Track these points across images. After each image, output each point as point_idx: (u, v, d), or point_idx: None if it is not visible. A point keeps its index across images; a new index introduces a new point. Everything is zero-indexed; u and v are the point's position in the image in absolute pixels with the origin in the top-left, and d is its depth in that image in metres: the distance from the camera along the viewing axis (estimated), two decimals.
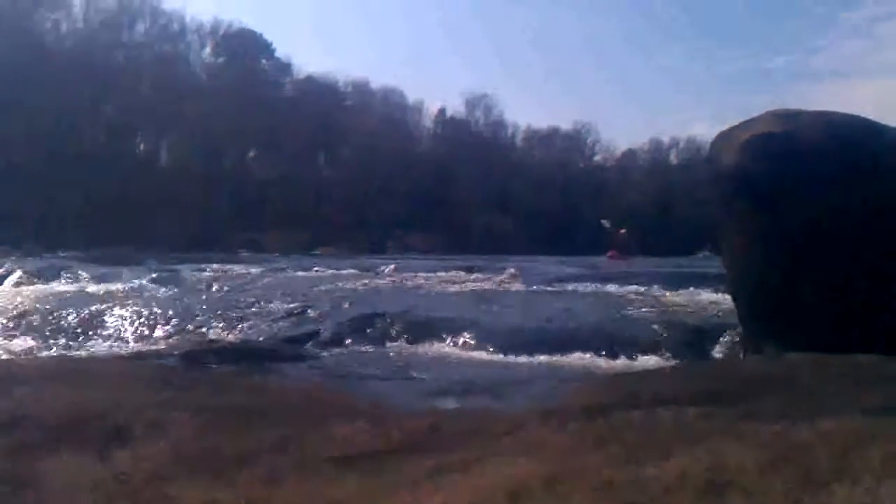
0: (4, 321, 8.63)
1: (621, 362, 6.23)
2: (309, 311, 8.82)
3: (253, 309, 9.04)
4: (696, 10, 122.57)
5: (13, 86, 44.27)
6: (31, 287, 12.19)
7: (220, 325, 8.37)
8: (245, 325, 8.36)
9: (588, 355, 6.45)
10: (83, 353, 7.11)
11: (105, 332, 8.27)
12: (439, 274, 16.20)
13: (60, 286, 12.31)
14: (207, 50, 66.95)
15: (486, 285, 13.77)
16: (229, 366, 5.84)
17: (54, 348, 7.39)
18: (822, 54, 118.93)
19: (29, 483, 2.68)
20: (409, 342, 7.34)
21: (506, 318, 8.41)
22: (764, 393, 3.53)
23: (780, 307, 5.75)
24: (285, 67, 73.07)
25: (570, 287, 12.91)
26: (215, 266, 18.19)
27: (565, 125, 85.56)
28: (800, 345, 4.96)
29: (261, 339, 7.77)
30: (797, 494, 2.17)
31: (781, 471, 2.32)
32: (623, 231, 33.17)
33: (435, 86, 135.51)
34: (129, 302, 9.62)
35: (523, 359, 6.45)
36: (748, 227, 5.97)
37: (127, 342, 7.85)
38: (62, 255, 20.99)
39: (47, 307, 9.32)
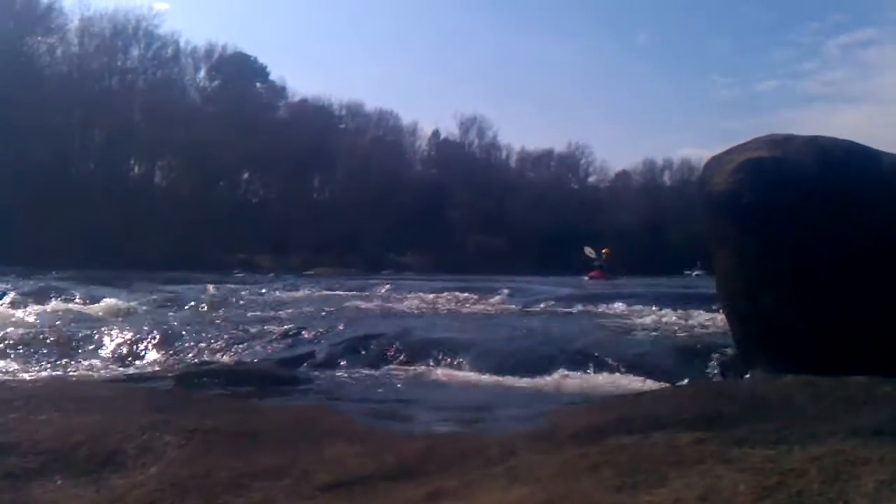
0: None
1: (615, 383, 6.22)
2: (303, 332, 8.80)
3: (247, 330, 9.01)
4: (687, 36, 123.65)
5: (6, 109, 44.29)
6: (25, 308, 12.15)
7: (214, 346, 8.33)
8: (239, 346, 8.33)
9: (582, 377, 6.44)
10: (75, 375, 7.08)
11: (98, 355, 8.23)
12: (433, 295, 16.21)
13: (54, 307, 12.27)
14: (202, 74, 67.21)
15: (480, 306, 13.78)
16: (223, 388, 5.82)
17: (46, 370, 7.36)
18: (810, 80, 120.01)
19: None
20: (404, 364, 7.32)
21: (500, 339, 8.39)
22: (757, 416, 3.53)
23: (772, 329, 5.77)
24: (280, 90, 73.44)
25: (563, 308, 12.93)
26: (209, 287, 18.15)
27: (559, 147, 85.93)
28: (793, 367, 4.97)
29: (255, 360, 7.73)
30: None
31: (775, 496, 2.32)
32: (606, 251, 33.41)
33: (429, 108, 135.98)
34: (123, 323, 9.59)
35: (517, 380, 6.44)
36: (739, 251, 5.99)
37: (120, 364, 7.81)
38: (55, 276, 20.93)
39: (40, 329, 9.28)
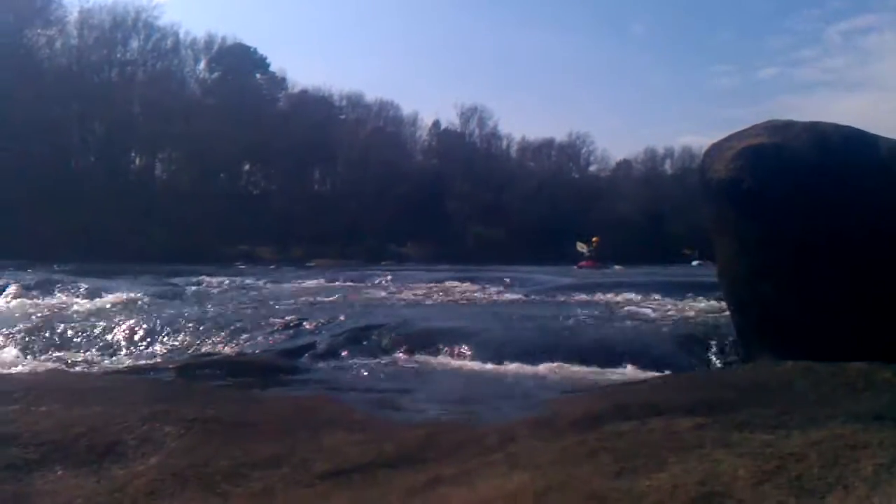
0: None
1: (614, 372, 6.22)
2: (304, 323, 8.81)
3: (248, 321, 9.02)
4: (686, 25, 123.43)
5: (6, 102, 44.25)
6: (27, 301, 12.16)
7: (216, 337, 8.35)
8: (241, 337, 8.34)
9: (581, 365, 6.44)
10: (76, 367, 7.09)
11: (99, 347, 8.24)
12: (433, 285, 16.21)
13: (55, 300, 12.28)
14: (202, 65, 66.98)
15: (481, 295, 13.78)
16: (223, 379, 5.82)
17: (47, 362, 7.37)
18: (810, 67, 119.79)
19: (23, 500, 2.68)
20: (405, 354, 7.32)
21: (500, 328, 8.40)
22: (756, 402, 3.53)
23: (772, 316, 5.76)
24: (280, 82, 73.22)
25: (563, 297, 12.93)
26: (211, 279, 18.17)
27: (560, 136, 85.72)
28: (793, 353, 4.97)
29: (256, 351, 7.74)
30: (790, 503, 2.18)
31: (774, 480, 2.32)
32: (595, 239, 33.15)
33: (430, 99, 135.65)
34: (124, 315, 9.60)
35: (517, 369, 6.44)
36: (739, 238, 5.99)
37: (121, 356, 7.82)
38: (56, 269, 20.93)
39: (42, 321, 9.29)
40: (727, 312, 6.65)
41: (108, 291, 13.36)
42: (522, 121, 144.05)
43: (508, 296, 13.60)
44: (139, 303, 12.00)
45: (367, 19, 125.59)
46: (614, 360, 6.56)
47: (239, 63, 68.05)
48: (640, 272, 24.23)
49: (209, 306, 11.57)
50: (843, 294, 5.44)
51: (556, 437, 3.13)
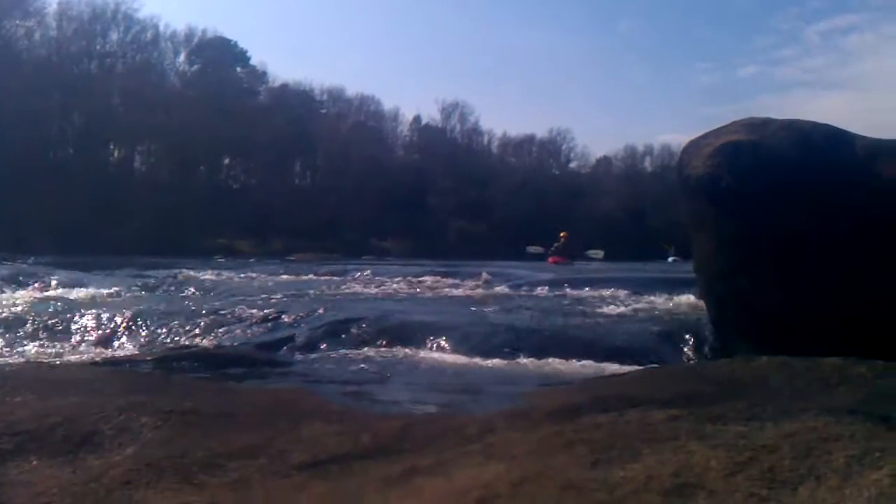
0: None
1: (593, 366, 6.25)
2: (283, 316, 8.79)
3: (227, 314, 8.99)
4: (668, 23, 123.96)
5: None
6: (2, 294, 12.07)
7: (194, 330, 8.32)
8: (219, 330, 8.32)
9: (560, 359, 6.46)
10: (53, 359, 7.05)
11: (76, 339, 8.21)
12: (414, 279, 16.23)
13: (31, 293, 12.19)
14: (182, 58, 66.82)
15: (461, 290, 13.80)
16: (201, 371, 5.80)
17: (24, 355, 7.32)
18: (790, 66, 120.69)
19: None
20: (384, 347, 7.33)
21: (479, 322, 8.42)
22: (731, 395, 3.56)
23: (748, 312, 5.82)
24: (260, 75, 73.08)
25: (542, 291, 12.97)
26: (189, 272, 18.09)
27: (541, 132, 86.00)
28: (769, 348, 5.01)
29: (234, 344, 7.73)
30: (762, 495, 2.20)
31: (747, 471, 2.35)
32: (564, 235, 32.94)
33: (411, 94, 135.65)
34: (101, 308, 9.55)
35: (496, 363, 6.46)
36: (717, 234, 6.04)
37: (98, 348, 7.79)
38: (33, 261, 20.79)
39: (18, 314, 9.23)
40: (703, 308, 6.70)
41: (85, 284, 13.28)
42: (503, 116, 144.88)
43: (489, 290, 13.62)
44: (116, 295, 11.94)
45: (349, 14, 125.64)
46: (593, 353, 6.59)
47: (219, 56, 67.83)
48: (616, 268, 24.28)
49: (187, 299, 11.53)
50: (819, 290, 5.49)
51: (533, 428, 3.14)
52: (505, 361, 6.51)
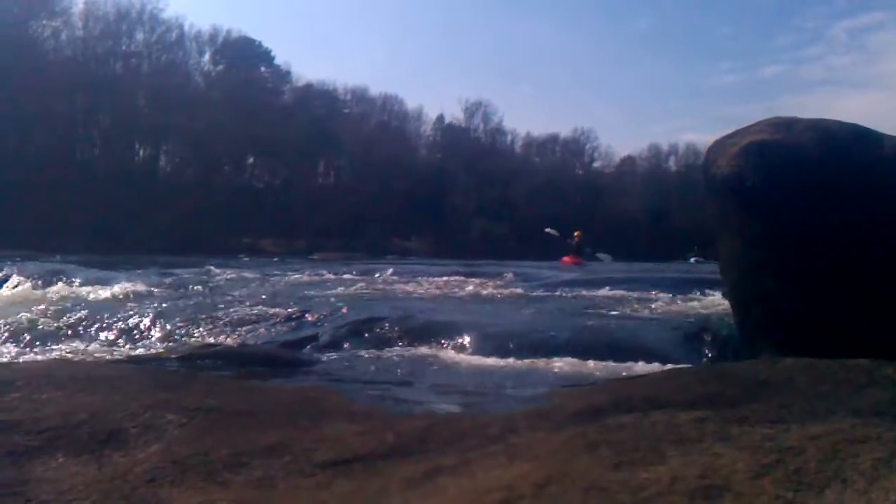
0: (1, 325, 8.62)
1: (615, 366, 6.22)
2: (307, 315, 8.82)
3: (251, 313, 9.03)
4: (691, 22, 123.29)
5: (11, 93, 44.36)
6: (29, 291, 12.18)
7: (218, 329, 8.36)
8: (242, 329, 8.35)
9: (583, 360, 6.44)
10: (79, 357, 7.10)
11: (101, 337, 8.27)
12: (437, 278, 16.22)
13: (58, 290, 12.30)
14: (206, 58, 67.23)
15: (484, 290, 13.78)
16: (226, 369, 5.83)
17: (50, 352, 7.39)
18: (815, 65, 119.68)
19: (23, 487, 2.69)
20: (408, 346, 7.33)
21: (502, 323, 8.40)
22: (757, 397, 3.53)
23: (775, 312, 5.77)
24: (284, 75, 73.37)
25: (566, 292, 12.93)
26: (214, 270, 18.18)
27: (565, 132, 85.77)
28: (795, 350, 4.97)
29: (258, 343, 7.76)
30: (788, 497, 2.18)
31: (773, 474, 2.33)
32: (578, 234, 31.85)
33: (434, 93, 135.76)
34: (127, 306, 9.61)
35: (519, 363, 6.44)
36: (742, 234, 5.99)
37: (123, 346, 7.84)
38: (60, 259, 20.97)
39: (44, 311, 9.31)
40: (729, 308, 6.65)
41: (111, 282, 13.38)
42: (527, 116, 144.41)
43: (511, 290, 13.59)
44: (142, 293, 12.02)
45: (372, 13, 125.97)
46: (617, 354, 6.55)
47: (243, 56, 68.19)
48: (637, 268, 24.16)
49: (212, 297, 11.59)
50: (847, 291, 5.44)
51: (556, 428, 3.13)
52: (527, 362, 6.49)
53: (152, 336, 8.28)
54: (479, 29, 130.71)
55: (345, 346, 7.50)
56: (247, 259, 33.09)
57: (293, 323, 8.58)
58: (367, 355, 7.00)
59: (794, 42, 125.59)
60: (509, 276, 15.64)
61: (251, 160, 68.28)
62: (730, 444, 2.63)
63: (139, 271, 17.62)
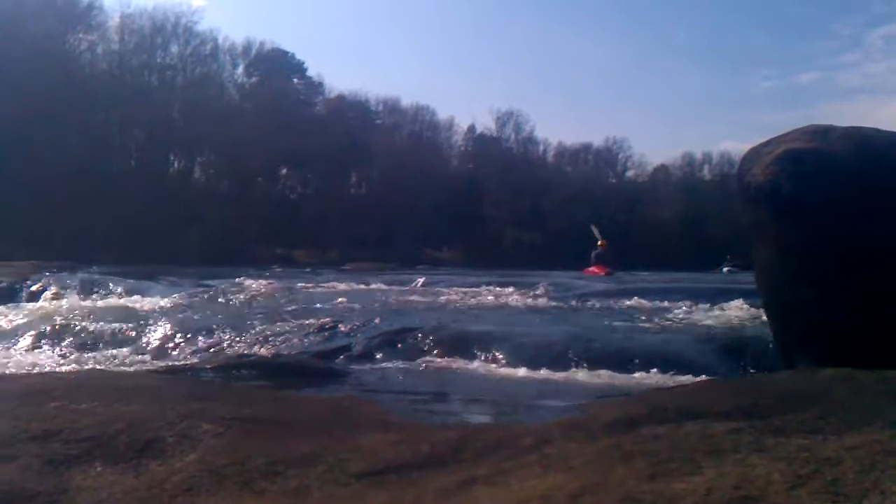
0: (39, 335, 8.74)
1: (649, 377, 6.19)
2: (340, 325, 8.86)
3: (285, 324, 9.09)
4: (728, 28, 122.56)
5: (48, 106, 44.95)
6: (66, 302, 12.35)
7: (252, 339, 8.42)
8: (277, 339, 8.41)
9: (617, 371, 6.41)
10: (115, 367, 7.18)
11: (138, 347, 8.36)
12: (469, 289, 16.22)
13: (94, 301, 12.45)
14: (240, 70, 67.67)
15: (517, 300, 13.75)
16: (260, 379, 5.88)
17: (87, 362, 7.48)
18: (852, 72, 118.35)
19: (62, 495, 2.72)
20: (440, 357, 7.34)
21: (535, 333, 8.39)
22: (794, 408, 3.50)
23: (812, 323, 5.71)
24: (317, 86, 73.75)
25: (600, 303, 12.88)
26: (247, 281, 18.30)
27: (597, 141, 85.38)
28: (834, 360, 4.91)
29: (292, 353, 7.80)
30: None
31: (809, 485, 2.31)
32: (602, 243, 30.56)
33: (466, 103, 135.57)
34: (162, 316, 9.71)
35: (552, 374, 6.43)
36: (778, 243, 5.94)
37: (159, 356, 7.92)
38: (96, 270, 21.21)
39: (81, 322, 9.42)
40: (765, 318, 6.59)
41: (147, 293, 13.53)
42: (559, 125, 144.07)
43: (544, 301, 13.56)
44: (177, 304, 12.13)
45: (404, 24, 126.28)
46: (649, 365, 6.52)
47: (277, 68, 68.65)
48: (671, 277, 23.97)
49: (246, 308, 11.67)
50: (885, 300, 5.37)
51: (590, 439, 3.12)
52: (560, 373, 6.48)
53: (187, 346, 8.35)
54: (512, 39, 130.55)
55: (377, 356, 7.53)
56: (280, 270, 33.25)
57: (326, 333, 8.62)
58: (399, 366, 7.02)
59: (831, 49, 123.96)
60: (542, 286, 15.59)
61: (284, 171, 68.68)
62: (765, 455, 2.61)
63: (174, 282, 17.79)
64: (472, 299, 14.07)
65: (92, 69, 55.30)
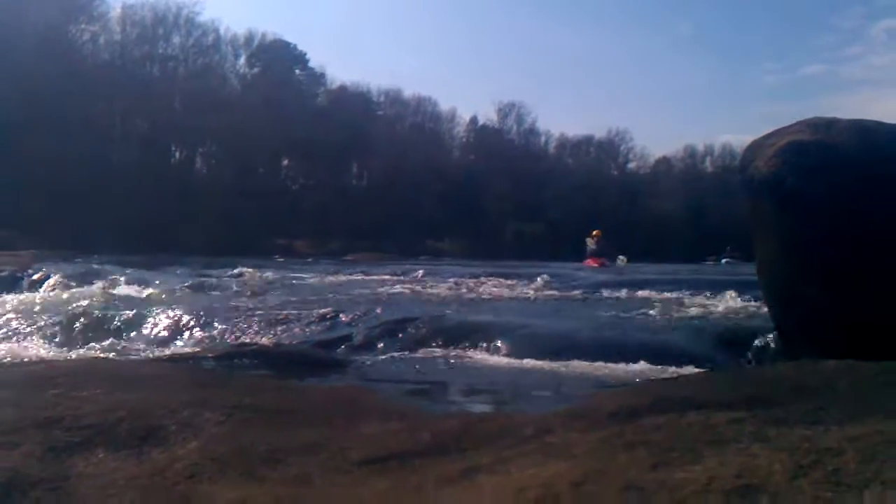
0: (42, 324, 8.75)
1: (651, 368, 6.18)
2: (341, 315, 8.86)
3: (286, 313, 9.09)
4: (730, 20, 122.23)
5: (49, 96, 44.96)
6: (68, 291, 12.36)
7: (254, 328, 8.43)
8: (278, 328, 8.41)
9: (618, 362, 6.40)
10: (118, 355, 7.19)
11: (140, 336, 8.37)
12: (470, 280, 16.22)
13: (96, 291, 12.45)
14: (242, 61, 67.68)
15: (518, 291, 13.76)
16: (262, 368, 5.88)
17: (89, 351, 7.49)
18: (855, 64, 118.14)
19: (65, 482, 2.73)
20: (441, 347, 7.34)
21: (536, 324, 8.39)
22: (795, 399, 3.50)
23: (813, 314, 5.71)
24: (319, 77, 73.72)
25: (600, 294, 12.88)
26: (249, 271, 18.31)
27: (599, 133, 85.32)
28: (835, 352, 4.91)
29: (293, 342, 7.81)
30: (827, 497, 2.16)
31: (811, 475, 2.31)
32: (597, 233, 29.75)
33: (467, 95, 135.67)
34: (164, 305, 9.72)
35: (552, 364, 6.42)
36: (780, 235, 5.94)
37: (161, 345, 7.93)
38: (98, 260, 21.23)
39: (83, 311, 9.43)
40: (765, 310, 6.60)
41: (148, 282, 13.54)
42: (561, 117, 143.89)
43: (545, 292, 13.56)
44: (178, 293, 12.15)
45: (405, 15, 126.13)
46: (650, 356, 6.50)
47: (279, 59, 68.59)
48: (671, 269, 23.95)
49: (247, 298, 11.68)
50: (887, 292, 5.37)
51: (592, 428, 3.13)
52: (561, 363, 6.47)
53: (188, 335, 8.36)
54: (514, 31, 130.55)
55: (379, 346, 7.54)
56: (281, 260, 33.32)
57: (327, 323, 8.63)
58: (400, 355, 7.02)
59: (834, 42, 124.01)
60: (542, 277, 15.59)
61: (286, 162, 68.73)
62: (767, 445, 2.61)
63: (176, 272, 17.80)
64: (473, 290, 14.07)
65: (94, 60, 55.30)
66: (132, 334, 8.42)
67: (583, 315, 9.53)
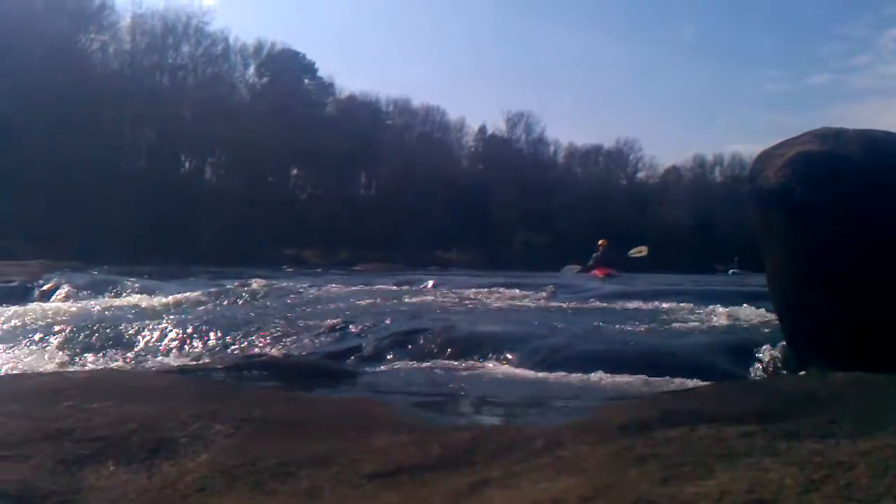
0: (52, 335, 8.78)
1: (661, 380, 6.16)
2: (350, 326, 8.86)
3: (295, 324, 9.10)
4: (738, 30, 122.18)
5: (59, 105, 45.16)
6: (78, 301, 12.39)
7: (263, 339, 8.44)
8: (287, 339, 8.42)
9: (627, 374, 6.38)
10: (128, 367, 7.21)
11: (149, 347, 8.38)
12: (479, 291, 16.19)
13: (106, 300, 12.49)
14: (251, 70, 67.97)
15: (527, 302, 13.73)
16: (271, 380, 5.88)
17: (99, 362, 7.51)
18: (863, 74, 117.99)
19: (75, 495, 2.74)
20: (451, 358, 7.32)
21: (546, 335, 8.36)
22: (806, 412, 3.49)
23: (823, 326, 5.69)
24: (328, 87, 73.97)
25: (609, 305, 12.84)
26: (258, 281, 18.32)
27: (608, 143, 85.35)
28: (845, 364, 4.90)
29: (302, 353, 7.81)
30: None
31: (822, 489, 2.30)
32: (602, 242, 29.10)
33: (476, 104, 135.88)
34: (174, 316, 9.74)
35: (564, 377, 6.40)
36: (790, 246, 5.92)
37: (171, 356, 7.94)
38: (107, 270, 21.28)
39: (94, 321, 9.46)
40: (775, 321, 6.57)
41: (158, 292, 13.56)
42: (570, 127, 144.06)
43: (555, 303, 13.52)
44: (187, 304, 12.16)
45: (414, 25, 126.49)
46: (661, 368, 6.48)
47: (288, 68, 68.86)
48: (679, 279, 23.88)
49: (256, 308, 11.69)
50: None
51: (603, 442, 3.12)
52: (571, 375, 6.44)
53: (198, 346, 8.37)
54: (522, 40, 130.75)
55: (388, 357, 7.53)
56: (290, 270, 33.33)
57: (337, 334, 8.63)
58: (410, 367, 7.01)
59: (842, 51, 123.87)
60: (553, 287, 15.56)
61: (295, 171, 68.90)
62: (778, 459, 2.61)
63: (185, 281, 17.83)
64: (482, 300, 14.04)
65: (103, 69, 55.58)
66: (142, 345, 8.44)
67: (589, 326, 9.49)
